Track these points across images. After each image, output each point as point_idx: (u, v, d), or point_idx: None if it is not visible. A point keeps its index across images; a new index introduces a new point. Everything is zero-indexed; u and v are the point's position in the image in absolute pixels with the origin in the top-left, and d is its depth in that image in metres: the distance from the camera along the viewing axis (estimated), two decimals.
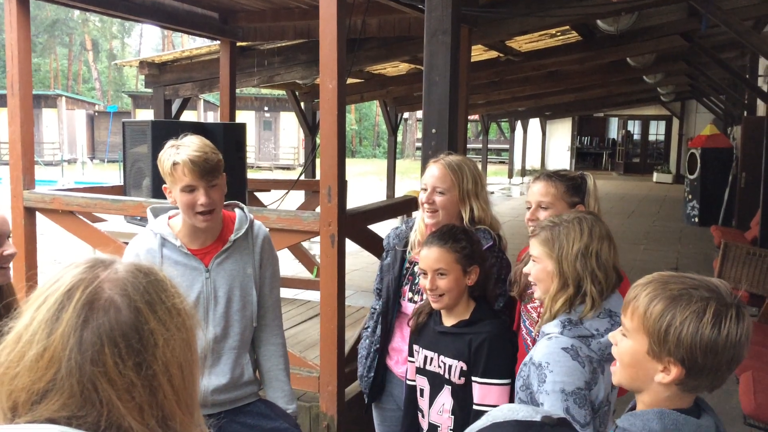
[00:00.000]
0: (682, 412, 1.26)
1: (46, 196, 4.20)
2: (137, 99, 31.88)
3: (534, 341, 2.03)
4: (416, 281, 2.46)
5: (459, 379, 2.13)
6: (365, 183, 21.78)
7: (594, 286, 1.84)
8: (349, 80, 10.01)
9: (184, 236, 2.24)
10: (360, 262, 8.28)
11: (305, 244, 8.09)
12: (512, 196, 19.02)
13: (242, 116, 31.94)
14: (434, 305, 2.18)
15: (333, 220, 3.46)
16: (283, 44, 6.79)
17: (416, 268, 2.46)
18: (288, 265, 8.58)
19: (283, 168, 31.10)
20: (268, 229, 2.43)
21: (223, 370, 2.27)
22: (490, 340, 2.10)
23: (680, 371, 1.22)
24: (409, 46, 6.28)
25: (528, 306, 2.22)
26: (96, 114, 34.50)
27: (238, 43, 6.58)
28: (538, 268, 1.91)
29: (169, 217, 2.29)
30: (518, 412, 0.93)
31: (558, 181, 2.27)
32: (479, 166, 2.84)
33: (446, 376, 2.16)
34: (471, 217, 2.39)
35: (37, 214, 4.35)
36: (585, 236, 1.86)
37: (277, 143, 33.15)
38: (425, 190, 2.40)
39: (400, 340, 2.50)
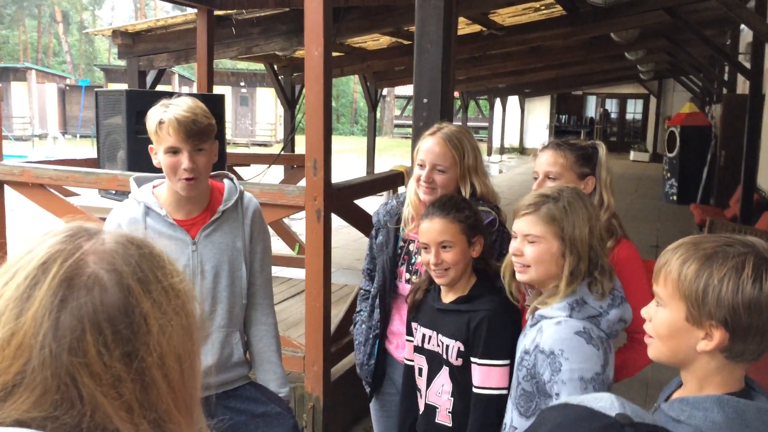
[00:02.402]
0: (737, 395, 1.15)
1: (15, 169, 4.00)
2: (110, 72, 31.11)
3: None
4: (413, 261, 2.33)
5: (457, 359, 2.02)
6: (344, 161, 21.56)
7: (603, 263, 1.76)
8: None
9: (169, 206, 2.09)
10: (342, 238, 8.15)
11: (285, 221, 7.94)
12: (491, 174, 18.98)
13: (218, 91, 31.34)
14: (439, 281, 2.06)
15: (319, 195, 3.32)
16: (263, 14, 6.56)
17: (411, 246, 2.34)
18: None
19: (260, 144, 30.66)
20: (258, 202, 2.28)
21: (211, 350, 2.13)
22: (490, 319, 1.99)
23: (724, 335, 1.12)
24: (392, 17, 6.10)
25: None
26: (67, 88, 33.64)
27: (216, 12, 6.34)
28: (539, 249, 1.76)
29: (154, 186, 2.13)
30: (598, 401, 0.81)
31: (567, 151, 2.15)
32: None
33: (444, 356, 2.05)
34: (472, 193, 2.27)
35: (7, 188, 4.14)
36: (591, 212, 1.76)
37: (253, 119, 32.68)
38: (422, 166, 2.23)
39: (399, 323, 2.37)
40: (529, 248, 1.78)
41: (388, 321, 2.40)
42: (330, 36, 3.22)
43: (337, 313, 3.90)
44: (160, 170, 2.05)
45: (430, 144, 2.24)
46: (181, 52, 6.99)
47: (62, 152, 20.65)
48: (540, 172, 2.19)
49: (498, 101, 24.13)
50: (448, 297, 2.09)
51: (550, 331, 1.72)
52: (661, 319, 1.21)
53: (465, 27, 8.40)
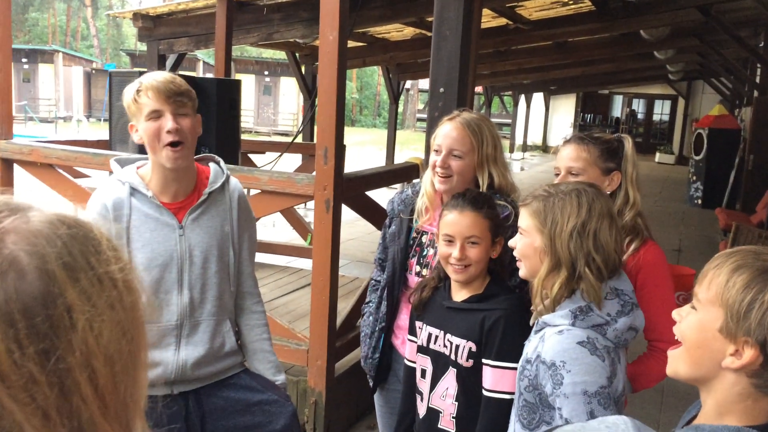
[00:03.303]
0: (761, 429, 1.02)
1: (24, 147, 3.94)
2: (135, 57, 31.29)
3: None
4: (424, 253, 2.22)
5: (467, 361, 1.90)
6: (364, 153, 21.46)
7: (589, 269, 1.59)
8: (352, 44, 9.69)
9: (155, 187, 2.00)
10: (356, 231, 8.06)
11: (301, 211, 7.86)
12: (512, 171, 18.75)
13: (242, 80, 31.45)
14: (456, 276, 1.94)
15: (329, 184, 3.22)
16: (284, 0, 6.46)
17: (424, 238, 2.23)
18: (281, 231, 8.37)
19: (281, 134, 30.67)
20: (243, 188, 2.19)
21: (202, 339, 2.04)
22: (506, 319, 1.87)
23: (756, 356, 1.00)
24: (416, 6, 5.97)
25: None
26: (93, 72, 33.90)
27: None
28: (524, 242, 1.68)
29: (138, 168, 2.04)
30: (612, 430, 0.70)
31: (591, 144, 2.02)
32: None
33: (452, 357, 1.93)
34: (490, 184, 2.15)
35: (17, 168, 4.09)
36: (583, 212, 1.61)
37: (276, 109, 32.69)
38: (437, 151, 2.13)
39: (406, 317, 2.25)
40: (519, 241, 1.71)
41: (395, 314, 2.30)
42: (346, 20, 3.11)
43: (345, 307, 3.80)
44: (144, 152, 1.98)
45: (447, 129, 2.14)
46: (201, 36, 6.91)
47: (85, 135, 20.81)
48: (561, 168, 2.05)
49: (522, 98, 23.84)
50: (460, 295, 1.97)
51: (552, 341, 1.60)
52: (693, 322, 1.09)
53: (491, 20, 8.24)
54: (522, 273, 1.73)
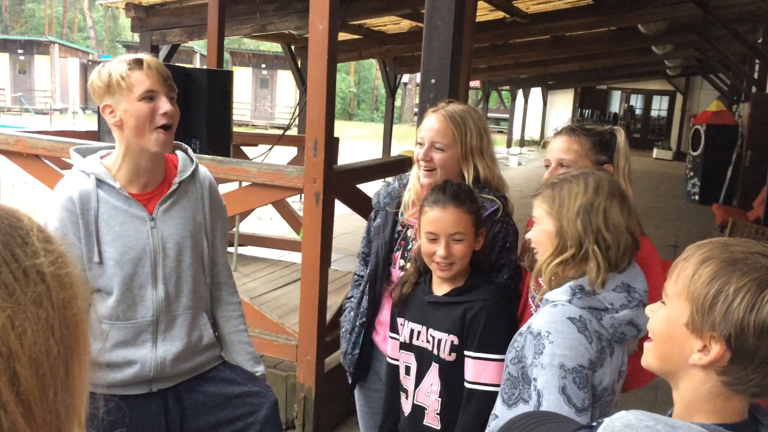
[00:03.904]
0: (733, 428, 0.97)
1: (9, 137, 3.87)
2: (131, 49, 31.07)
3: None
4: (408, 247, 2.17)
5: (449, 354, 1.86)
6: (361, 146, 21.39)
7: (598, 246, 1.56)
8: (347, 36, 9.61)
9: (122, 177, 1.91)
10: (350, 225, 8.00)
11: (296, 206, 7.80)
12: (509, 166, 18.74)
13: (239, 73, 31.31)
14: (441, 274, 1.90)
15: (318, 177, 3.16)
16: None
17: (409, 232, 2.18)
18: (273, 224, 8.31)
19: (278, 127, 30.55)
20: (212, 175, 2.13)
21: (179, 334, 1.98)
22: (488, 309, 1.83)
23: (723, 352, 0.95)
24: None
25: (539, 279, 1.94)
26: (90, 63, 33.71)
27: None
28: (538, 229, 1.67)
29: (101, 157, 1.95)
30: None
31: (583, 136, 1.97)
32: None
33: (434, 351, 1.89)
34: (476, 177, 2.09)
35: (3, 159, 4.03)
36: (590, 190, 1.59)
37: (273, 102, 32.59)
38: (421, 144, 2.08)
39: (389, 313, 2.21)
40: (534, 230, 1.68)
41: (377, 309, 2.24)
42: (336, 9, 3.04)
43: (336, 301, 3.75)
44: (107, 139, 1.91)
45: (430, 121, 2.09)
46: (195, 27, 6.82)
47: (81, 127, 20.71)
48: (552, 160, 2.01)
49: (520, 93, 23.77)
50: (441, 289, 1.93)
51: (543, 311, 1.59)
52: (660, 316, 1.05)
53: (487, 13, 8.16)
54: (539, 258, 1.69)
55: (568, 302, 1.57)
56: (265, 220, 8.73)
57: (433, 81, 2.80)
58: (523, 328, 1.63)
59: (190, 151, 2.08)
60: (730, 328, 0.93)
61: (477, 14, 6.20)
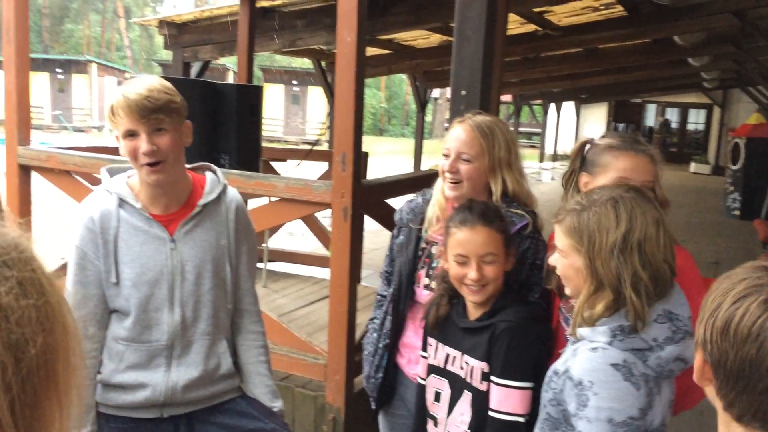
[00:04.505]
0: None
1: (41, 154, 3.89)
2: (166, 67, 31.69)
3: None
4: (433, 265, 2.08)
5: (481, 383, 1.75)
6: (392, 162, 21.37)
7: (635, 292, 1.41)
8: (377, 51, 9.60)
9: (144, 198, 1.88)
10: (380, 240, 7.91)
11: (326, 221, 7.76)
12: (542, 181, 18.53)
13: (271, 89, 31.65)
14: (473, 297, 1.80)
15: (347, 192, 3.09)
16: (307, 6, 6.39)
17: (434, 249, 2.09)
18: (305, 240, 8.28)
19: (310, 143, 30.78)
20: (241, 197, 2.05)
21: (195, 360, 1.91)
22: (513, 331, 1.72)
23: (701, 361, 0.90)
24: (441, 11, 5.84)
25: (570, 301, 1.83)
26: (126, 81, 34.46)
27: (261, 4, 6.20)
28: (564, 263, 1.53)
29: (128, 177, 1.92)
30: None
31: (651, 152, 1.86)
32: None
33: (468, 379, 1.79)
34: (504, 191, 2.00)
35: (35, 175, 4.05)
36: (622, 223, 1.43)
37: (304, 118, 32.81)
38: (447, 155, 2.00)
39: (413, 334, 2.12)
40: (559, 262, 1.55)
41: (400, 331, 2.15)
42: (364, 21, 2.99)
43: (366, 319, 3.66)
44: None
45: (457, 132, 2.01)
46: (226, 44, 6.87)
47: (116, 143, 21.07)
48: (636, 182, 1.83)
49: (552, 107, 23.54)
50: (474, 313, 1.83)
51: (583, 356, 1.44)
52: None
53: (519, 26, 8.07)
54: (568, 291, 1.59)
55: (609, 345, 1.44)
56: (297, 236, 8.70)
57: (463, 92, 2.72)
58: (559, 365, 1.51)
59: (219, 172, 2.02)
60: (700, 332, 0.90)
61: (508, 27, 6.12)
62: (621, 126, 26.80)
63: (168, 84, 1.83)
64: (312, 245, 7.56)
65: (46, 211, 9.96)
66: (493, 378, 1.73)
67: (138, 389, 1.87)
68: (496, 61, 3.05)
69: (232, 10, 6.57)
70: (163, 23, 7.01)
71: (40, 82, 31.22)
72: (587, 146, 1.94)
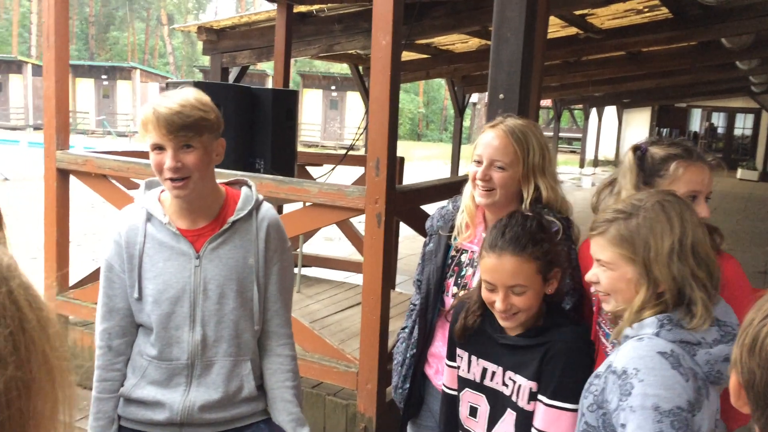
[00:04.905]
0: None
1: (79, 158, 3.93)
2: (207, 73, 32.19)
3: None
4: (462, 273, 2.01)
5: (528, 403, 1.67)
6: (429, 167, 21.27)
7: (700, 290, 1.37)
8: (415, 56, 9.54)
9: (173, 213, 1.84)
10: (417, 246, 7.77)
11: (361, 227, 7.73)
12: (582, 186, 18.21)
13: (310, 95, 31.88)
14: (505, 323, 1.71)
15: (380, 197, 3.04)
16: (345, 11, 6.37)
17: (463, 257, 2.02)
18: (342, 245, 8.25)
19: (347, 148, 30.86)
20: (277, 215, 1.98)
21: (215, 381, 1.84)
22: (569, 352, 1.64)
23: (735, 383, 0.82)
24: (480, 14, 5.75)
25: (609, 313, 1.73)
26: (168, 87, 35.14)
27: (299, 9, 6.20)
28: (612, 276, 1.44)
29: (162, 191, 1.89)
30: None
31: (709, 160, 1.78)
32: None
33: (513, 398, 1.70)
34: (536, 198, 1.92)
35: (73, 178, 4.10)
36: (676, 225, 1.39)
37: (342, 123, 32.95)
38: (479, 162, 1.92)
39: (442, 344, 2.04)
40: (602, 275, 1.46)
41: (429, 340, 2.08)
42: (400, 24, 2.93)
43: (398, 327, 3.59)
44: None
45: (489, 137, 1.92)
46: (263, 49, 6.88)
47: None
48: (703, 194, 1.75)
49: (594, 111, 23.15)
50: (514, 329, 1.74)
51: (627, 347, 1.37)
52: None
53: (560, 29, 7.93)
54: (611, 307, 1.50)
55: (656, 335, 1.37)
56: (335, 240, 8.68)
57: (501, 96, 2.64)
58: (601, 368, 1.43)
59: (254, 188, 1.96)
60: (734, 350, 0.82)
61: (548, 30, 5.98)
62: (665, 131, 26.24)
63: (205, 99, 1.77)
64: (348, 250, 7.54)
65: (86, 214, 10.15)
66: (542, 398, 1.64)
67: (156, 408, 1.84)
68: (536, 64, 2.97)
69: (270, 16, 6.59)
70: (201, 29, 7.06)
71: (85, 88, 32.05)
72: (638, 152, 1.84)
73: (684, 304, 1.38)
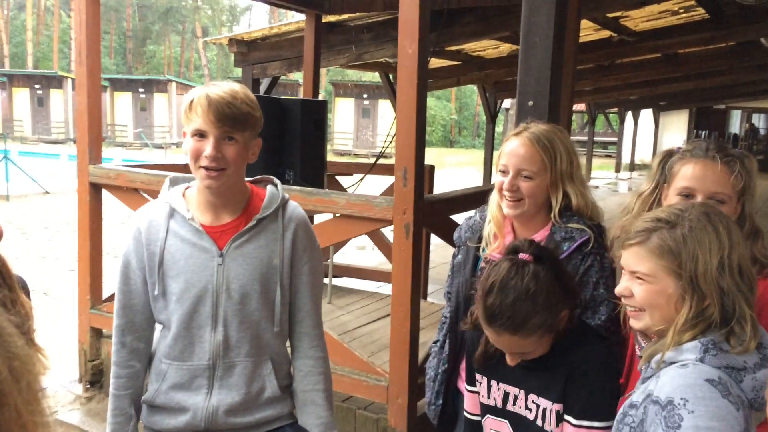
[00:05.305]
0: None
1: (111, 172, 3.97)
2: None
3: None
4: None
5: (556, 426, 1.60)
6: (462, 174, 21.15)
7: (749, 307, 1.29)
8: (445, 63, 9.48)
9: (197, 207, 1.81)
10: (450, 254, 7.76)
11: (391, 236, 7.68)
12: (618, 191, 17.89)
13: (342, 104, 32.02)
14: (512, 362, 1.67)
15: (408, 208, 2.99)
16: (374, 20, 6.36)
17: None
18: (375, 254, 8.21)
19: (383, 156, 30.88)
20: (305, 214, 1.94)
21: (237, 383, 1.81)
22: (596, 371, 1.57)
23: None
24: (510, 19, 5.67)
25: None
26: None
27: (328, 19, 6.21)
28: (650, 290, 1.35)
29: (187, 188, 1.86)
30: None
31: (740, 165, 1.67)
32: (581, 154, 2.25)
33: (539, 422, 1.63)
34: (566, 205, 1.85)
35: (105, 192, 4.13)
36: (724, 239, 1.30)
37: (375, 131, 32.99)
38: (504, 172, 1.87)
39: None
40: (638, 288, 1.36)
41: (460, 354, 2.03)
42: (426, 32, 2.89)
43: (431, 338, 3.53)
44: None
45: (514, 145, 1.87)
46: (293, 60, 6.91)
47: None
48: (699, 191, 1.66)
49: (629, 115, 22.77)
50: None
51: (670, 374, 1.27)
52: None
53: (593, 33, 7.80)
54: (642, 324, 1.40)
55: (700, 361, 1.28)
56: (368, 249, 8.64)
57: (530, 103, 2.57)
58: (637, 397, 1.34)
59: (280, 186, 1.92)
60: None
61: (581, 34, 5.87)
62: (703, 134, 25.67)
63: (252, 96, 1.77)
64: (381, 258, 7.50)
65: (123, 228, 10.31)
66: (570, 419, 1.58)
67: (179, 413, 1.81)
68: (567, 69, 2.89)
69: (300, 26, 6.62)
70: (233, 41, 7.13)
71: (123, 102, 32.71)
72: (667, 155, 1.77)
73: (728, 322, 1.29)
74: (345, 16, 6.27)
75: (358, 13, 6.10)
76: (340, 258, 6.16)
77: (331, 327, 4.33)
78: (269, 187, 1.89)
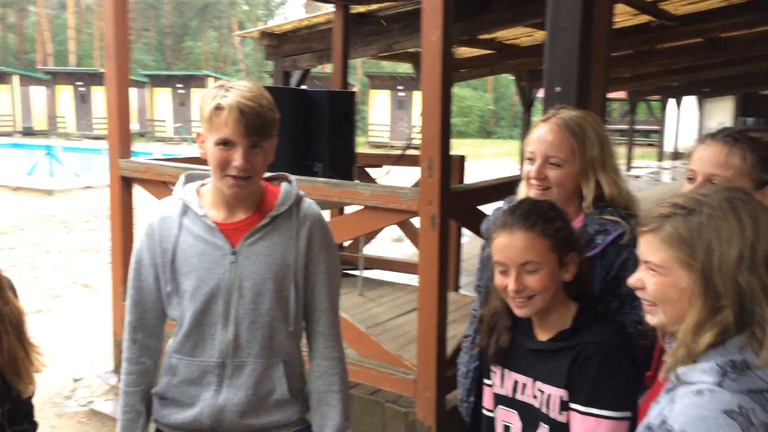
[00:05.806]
0: None
1: (141, 166, 4.01)
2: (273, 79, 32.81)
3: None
4: None
5: (561, 414, 1.54)
6: (499, 164, 20.94)
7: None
8: (478, 52, 9.36)
9: (211, 204, 1.78)
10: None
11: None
12: (661, 181, 17.51)
13: (378, 96, 31.96)
14: (520, 311, 1.59)
15: (434, 199, 2.94)
16: (402, 10, 6.29)
17: None
18: (409, 245, 8.17)
19: (416, 148, 30.79)
20: (320, 211, 1.89)
21: (245, 383, 1.78)
22: (603, 354, 1.50)
23: None
24: (542, 6, 5.54)
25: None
26: None
27: (356, 9, 6.17)
28: (662, 282, 1.24)
29: (201, 185, 1.84)
30: None
31: (748, 148, 1.56)
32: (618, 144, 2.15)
33: (543, 409, 1.57)
34: (599, 196, 1.78)
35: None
36: (748, 229, 1.17)
37: (410, 122, 32.87)
38: (531, 159, 1.80)
39: None
40: (650, 280, 1.26)
41: None
42: (450, 20, 2.82)
43: (462, 331, 3.48)
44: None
45: (542, 131, 1.80)
46: (324, 52, 6.89)
47: None
48: (699, 173, 1.62)
49: (672, 102, 22.21)
50: (545, 333, 1.62)
51: (685, 403, 1.16)
52: None
53: (631, 18, 7.59)
54: (657, 320, 1.29)
55: (718, 385, 1.15)
56: (404, 240, 8.60)
57: (557, 89, 2.49)
58: (653, 419, 1.23)
59: (294, 183, 1.88)
60: None
61: (618, 19, 5.69)
62: (750, 120, 24.86)
63: (270, 97, 1.72)
64: (405, 250, 7.45)
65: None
66: (575, 406, 1.51)
67: (187, 407, 1.79)
68: (598, 54, 2.78)
69: (330, 18, 6.59)
70: (264, 34, 7.14)
71: (162, 98, 33.22)
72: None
73: (747, 326, 1.16)
74: (373, 7, 6.22)
75: (387, 3, 6.04)
76: (377, 250, 6.14)
77: (362, 319, 4.31)
78: (284, 185, 1.86)
